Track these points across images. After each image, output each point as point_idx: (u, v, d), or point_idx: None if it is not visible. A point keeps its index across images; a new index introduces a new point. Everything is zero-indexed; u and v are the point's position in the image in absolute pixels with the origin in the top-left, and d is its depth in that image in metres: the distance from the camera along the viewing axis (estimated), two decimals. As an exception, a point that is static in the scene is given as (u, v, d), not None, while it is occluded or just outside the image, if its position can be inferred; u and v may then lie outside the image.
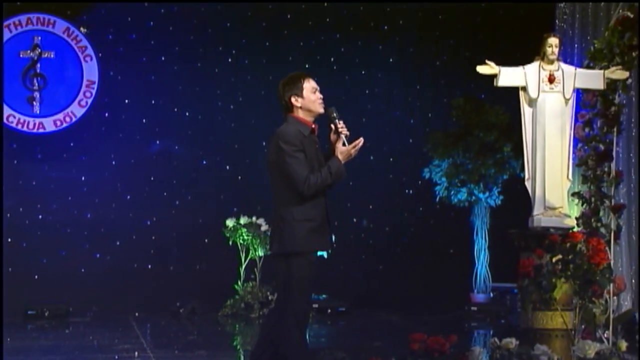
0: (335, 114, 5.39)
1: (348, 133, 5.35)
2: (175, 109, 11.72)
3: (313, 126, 5.39)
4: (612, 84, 7.66)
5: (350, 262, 11.38)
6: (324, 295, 11.09)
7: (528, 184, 7.49)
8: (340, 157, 5.31)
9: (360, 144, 5.32)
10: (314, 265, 5.32)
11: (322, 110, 5.40)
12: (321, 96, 5.43)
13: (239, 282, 10.97)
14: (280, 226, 5.32)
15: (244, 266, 11.01)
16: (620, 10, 7.80)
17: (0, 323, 8.57)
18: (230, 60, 11.90)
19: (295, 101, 5.37)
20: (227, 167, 11.90)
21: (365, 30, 12.29)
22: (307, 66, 11.92)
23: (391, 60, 12.50)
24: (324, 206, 5.38)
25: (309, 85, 5.42)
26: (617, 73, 7.51)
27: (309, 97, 5.39)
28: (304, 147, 5.24)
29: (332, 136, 5.41)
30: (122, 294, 10.92)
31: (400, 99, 12.50)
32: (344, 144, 5.33)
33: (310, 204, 5.28)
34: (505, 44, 11.63)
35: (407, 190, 12.47)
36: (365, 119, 11.83)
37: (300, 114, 5.38)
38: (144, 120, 11.56)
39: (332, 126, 5.38)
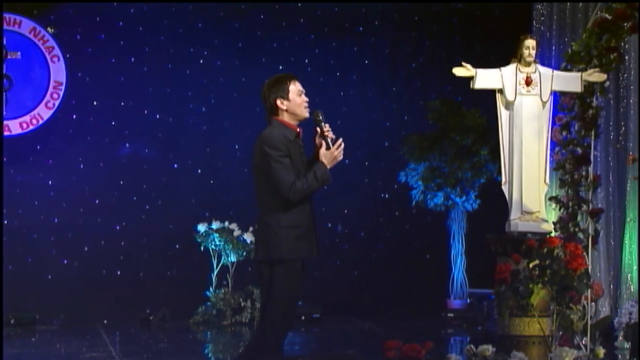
0: (321, 117, 5.38)
1: (334, 137, 5.34)
2: (145, 111, 11.65)
3: (298, 130, 5.37)
4: (589, 87, 7.72)
5: (324, 267, 11.37)
6: (297, 302, 11.06)
7: (505, 188, 7.53)
8: (325, 161, 5.29)
9: (342, 145, 5.31)
10: (299, 273, 5.29)
11: (307, 114, 5.38)
12: (307, 99, 5.41)
13: (211, 289, 10.93)
14: (265, 233, 5.28)
15: (216, 272, 10.97)
16: (598, 12, 7.84)
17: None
18: (202, 61, 11.86)
19: (281, 104, 5.34)
20: (199, 170, 11.85)
21: (340, 31, 12.30)
22: (280, 68, 11.89)
23: (366, 61, 12.51)
24: (310, 212, 5.35)
25: (295, 87, 5.39)
26: (595, 76, 7.56)
27: (295, 100, 5.36)
28: (289, 152, 5.21)
29: (317, 140, 5.39)
30: (90, 301, 10.85)
31: (375, 101, 12.51)
32: (328, 148, 5.31)
33: (296, 210, 5.25)
34: (482, 45, 11.70)
35: (382, 195, 12.48)
36: (340, 122, 11.79)
37: (285, 117, 5.35)
38: (113, 123, 11.48)
39: (318, 129, 5.36)
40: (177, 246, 11.51)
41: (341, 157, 5.32)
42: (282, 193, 5.16)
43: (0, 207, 10.33)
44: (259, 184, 5.33)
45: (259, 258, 5.34)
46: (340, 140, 5.33)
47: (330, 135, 5.33)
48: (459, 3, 12.27)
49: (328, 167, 5.29)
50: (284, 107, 5.33)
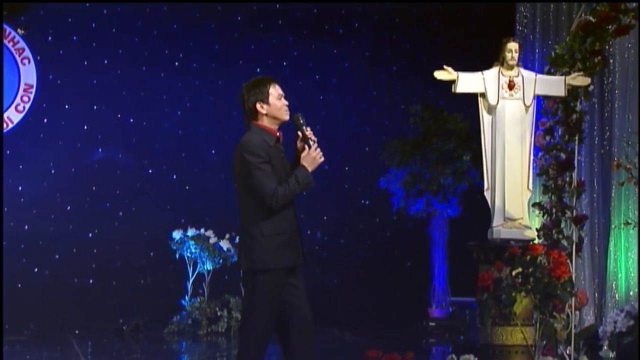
0: (301, 121, 5.36)
1: (315, 139, 5.33)
2: (119, 115, 11.63)
3: (278, 134, 5.35)
4: (573, 91, 7.74)
5: (302, 275, 11.34)
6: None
7: (487, 194, 7.54)
8: (305, 164, 5.27)
9: (316, 147, 5.29)
10: (282, 283, 5.25)
11: (287, 118, 5.35)
12: (287, 103, 5.40)
13: (186, 298, 10.90)
14: (248, 242, 5.24)
15: (191, 280, 10.95)
16: (582, 15, 7.88)
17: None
18: (177, 64, 11.84)
19: (261, 108, 5.30)
20: (174, 176, 11.83)
21: (319, 33, 12.31)
22: (258, 70, 11.88)
23: (346, 64, 12.53)
24: (293, 218, 5.31)
25: (275, 91, 5.35)
26: (579, 79, 7.59)
27: (275, 104, 5.32)
28: (270, 158, 5.18)
29: (299, 144, 5.37)
30: (61, 310, 10.80)
31: (355, 105, 12.53)
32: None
33: (278, 216, 5.21)
34: (464, 48, 11.72)
35: (362, 201, 12.49)
36: (319, 126, 11.76)
37: (265, 121, 5.31)
38: (85, 127, 11.45)
39: (299, 133, 5.34)
40: (152, 254, 11.48)
41: (321, 159, 5.30)
42: (264, 200, 5.14)
43: (1, 215, 10.28)
44: (240, 192, 5.30)
45: (242, 269, 5.30)
46: (314, 142, 5.32)
47: (312, 138, 5.32)
48: (439, 4, 12.30)
49: (309, 170, 5.28)
50: (264, 111, 5.30)
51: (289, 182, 5.15)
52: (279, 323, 5.28)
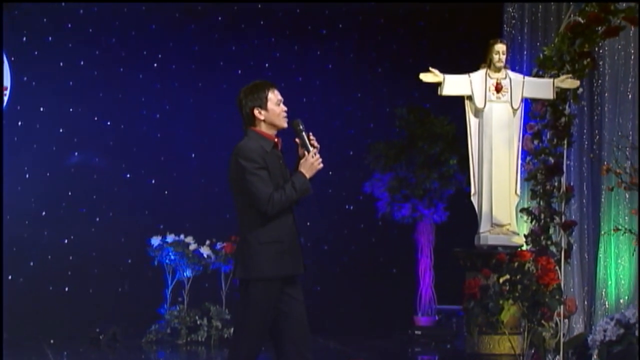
0: (301, 127, 5.37)
1: (318, 146, 5.34)
2: (96, 118, 11.59)
3: (276, 140, 5.35)
4: (562, 94, 7.79)
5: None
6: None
7: (474, 200, 7.57)
8: (303, 170, 5.28)
9: (316, 152, 5.30)
10: (276, 293, 5.25)
11: (285, 125, 5.36)
12: (285, 108, 5.40)
13: (165, 306, 10.87)
14: (244, 250, 5.23)
15: (170, 288, 10.92)
16: (572, 15, 7.92)
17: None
18: (155, 65, 11.81)
19: (259, 114, 5.30)
20: (153, 181, 11.80)
21: (302, 34, 12.31)
22: (239, 72, 11.91)
23: (330, 66, 12.53)
24: (292, 225, 5.31)
25: (274, 96, 5.36)
26: (568, 82, 7.63)
27: (274, 110, 5.32)
28: (266, 164, 5.18)
29: (301, 150, 5.37)
30: (36, 319, 10.75)
31: (339, 108, 12.53)
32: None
33: (276, 223, 5.21)
34: (450, 50, 11.75)
35: (347, 206, 12.49)
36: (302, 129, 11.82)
37: (263, 127, 5.32)
38: (61, 130, 11.41)
39: (298, 140, 5.35)
40: (129, 261, 11.45)
41: (320, 165, 5.31)
42: (260, 207, 5.14)
43: (0, 206, 10.23)
44: (237, 199, 5.31)
45: (238, 277, 5.29)
46: (315, 149, 5.33)
47: (315, 145, 5.33)
48: (426, 5, 12.32)
49: (307, 176, 5.28)
50: (262, 117, 5.30)
51: (285, 188, 5.16)
52: (274, 334, 5.27)
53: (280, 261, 5.20)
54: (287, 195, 5.16)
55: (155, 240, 10.81)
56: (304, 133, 5.33)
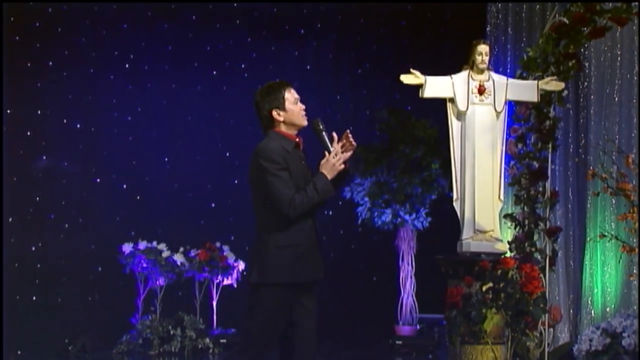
0: (321, 126, 5.41)
1: (355, 145, 5.38)
2: (65, 120, 11.55)
3: (297, 140, 5.38)
4: (546, 96, 7.83)
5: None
6: (232, 329, 11.04)
7: (456, 205, 7.59)
8: (324, 171, 5.30)
9: (337, 154, 5.33)
10: (290, 300, 5.25)
11: (306, 123, 5.41)
12: (303, 107, 5.44)
13: (137, 315, 10.85)
14: (261, 253, 5.25)
15: (142, 297, 10.89)
16: (557, 15, 7.96)
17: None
18: (127, 65, 11.79)
19: (278, 115, 5.35)
20: (124, 186, 11.77)
21: (279, 34, 12.33)
22: (214, 73, 11.91)
23: (308, 67, 12.56)
24: (311, 229, 5.34)
25: (291, 95, 5.41)
26: (552, 84, 7.66)
27: (292, 110, 5.38)
28: (287, 165, 5.22)
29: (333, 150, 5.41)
30: (2, 329, 10.69)
31: (318, 111, 12.37)
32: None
33: (296, 227, 5.24)
34: (432, 50, 11.80)
35: (326, 212, 12.50)
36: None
37: (283, 128, 5.37)
38: (29, 133, 11.36)
39: (319, 139, 5.37)
40: (100, 269, 11.41)
41: (342, 166, 5.34)
42: (281, 209, 5.16)
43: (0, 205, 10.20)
44: (256, 200, 5.32)
45: (253, 281, 5.28)
46: (336, 149, 5.35)
47: (352, 142, 5.37)
48: (407, 4, 12.36)
49: (329, 177, 5.30)
50: (281, 119, 5.35)
51: (307, 190, 5.19)
52: (281, 342, 5.28)
53: (297, 266, 5.23)
54: (308, 197, 5.19)
55: (127, 248, 10.78)
56: (324, 133, 5.37)
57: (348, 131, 5.47)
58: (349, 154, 5.47)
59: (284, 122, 5.37)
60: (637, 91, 9.58)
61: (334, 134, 5.51)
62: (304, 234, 5.29)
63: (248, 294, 5.36)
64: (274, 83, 5.45)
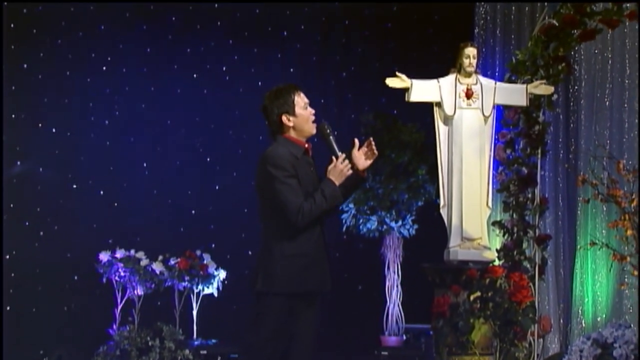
0: (328, 130, 5.43)
1: (376, 153, 5.39)
2: (40, 125, 11.52)
3: (306, 145, 5.39)
4: (536, 100, 7.86)
5: (244, 301, 11.32)
6: (213, 340, 11.02)
7: (443, 212, 7.62)
8: (332, 177, 5.31)
9: (344, 159, 5.36)
10: (293, 310, 5.25)
11: (314, 131, 5.45)
12: (313, 111, 5.45)
13: (114, 326, 10.81)
14: (267, 261, 5.26)
15: (119, 307, 10.85)
16: (546, 17, 8.00)
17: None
18: (105, 68, 11.76)
19: (287, 120, 5.37)
20: (101, 192, 11.74)
21: (262, 36, 12.31)
22: (195, 76, 11.89)
23: (291, 70, 12.55)
24: (318, 238, 5.35)
25: (301, 100, 5.44)
26: (541, 88, 7.70)
27: (302, 115, 5.40)
28: (296, 172, 5.23)
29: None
30: (-26, 341, 10.67)
31: (301, 115, 12.53)
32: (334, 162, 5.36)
33: (304, 235, 5.25)
34: (419, 53, 11.81)
35: (310, 219, 12.49)
36: (262, 137, 11.81)
37: (292, 133, 5.38)
38: (3, 138, 11.33)
39: (326, 144, 5.39)
40: (76, 277, 11.38)
41: (349, 171, 5.35)
42: (289, 217, 5.17)
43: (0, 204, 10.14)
44: (263, 207, 5.32)
45: (259, 290, 5.28)
46: (343, 155, 5.38)
47: (374, 150, 5.40)
48: (393, 5, 12.38)
49: (337, 183, 5.30)
50: (291, 124, 5.38)
51: (315, 197, 5.20)
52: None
53: (304, 276, 5.24)
54: (317, 204, 5.20)
55: (104, 256, 10.74)
56: (331, 137, 5.39)
57: (371, 139, 5.48)
58: (370, 161, 5.49)
59: (293, 127, 5.40)
60: (637, 94, 9.62)
61: (356, 140, 5.52)
62: (311, 243, 5.31)
63: (253, 302, 5.37)
64: (283, 86, 5.47)
